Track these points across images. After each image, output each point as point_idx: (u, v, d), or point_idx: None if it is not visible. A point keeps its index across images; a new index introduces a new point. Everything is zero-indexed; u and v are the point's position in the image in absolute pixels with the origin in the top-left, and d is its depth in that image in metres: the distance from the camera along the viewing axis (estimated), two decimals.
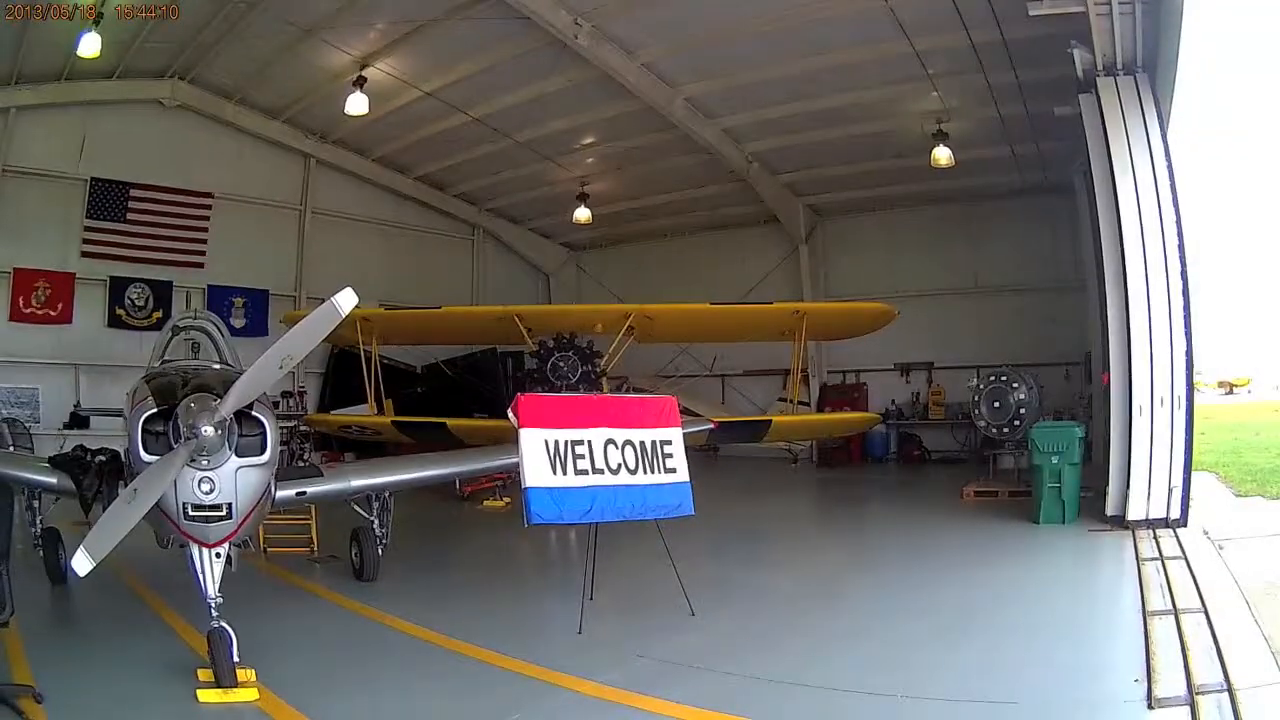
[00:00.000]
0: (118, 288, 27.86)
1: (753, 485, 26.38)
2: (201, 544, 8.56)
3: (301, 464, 21.48)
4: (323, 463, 19.12)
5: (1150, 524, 15.10)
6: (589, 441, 10.90)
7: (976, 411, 20.33)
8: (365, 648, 10.27)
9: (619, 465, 10.97)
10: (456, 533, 19.29)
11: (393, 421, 21.63)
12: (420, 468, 14.56)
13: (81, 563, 7.49)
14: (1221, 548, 13.70)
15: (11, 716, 7.70)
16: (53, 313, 26.86)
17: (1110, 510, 15.92)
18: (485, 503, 21.50)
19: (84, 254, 27.34)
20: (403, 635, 10.65)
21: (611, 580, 12.00)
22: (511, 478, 19.33)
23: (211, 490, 8.28)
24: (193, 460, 8.13)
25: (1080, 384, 25.18)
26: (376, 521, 13.77)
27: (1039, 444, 16.70)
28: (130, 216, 27.78)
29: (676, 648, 9.68)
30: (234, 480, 8.44)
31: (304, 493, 12.33)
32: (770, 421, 21.36)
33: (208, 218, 28.98)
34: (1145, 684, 7.79)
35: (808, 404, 28.75)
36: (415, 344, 27.99)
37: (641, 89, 23.46)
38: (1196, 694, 7.49)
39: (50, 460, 12.52)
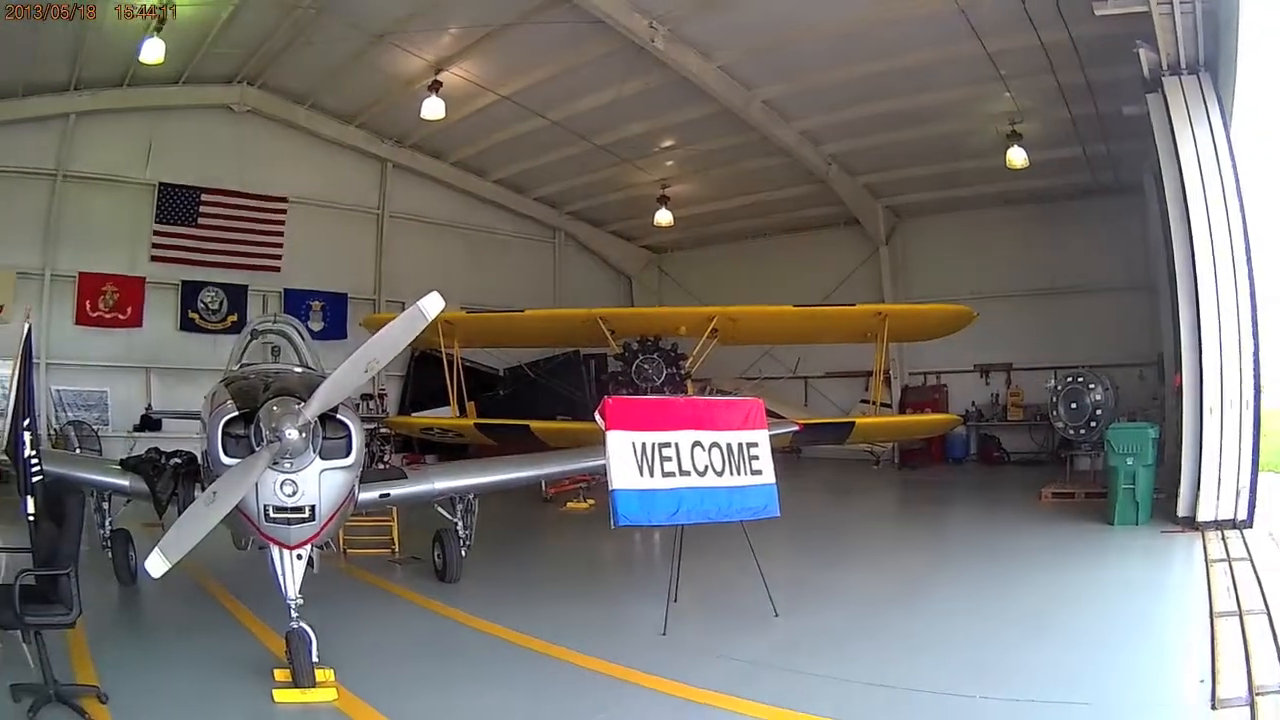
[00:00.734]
0: (190, 291, 29.81)
1: (835, 486, 27.58)
2: (282, 546, 9.05)
3: (382, 466, 23.12)
4: (404, 465, 20.63)
5: (1219, 525, 15.86)
6: (676, 444, 11.37)
7: (1054, 413, 21.49)
8: (446, 648, 10.81)
9: (706, 467, 11.45)
10: (539, 534, 20.42)
11: (476, 424, 22.84)
12: (505, 470, 15.36)
13: (156, 564, 7.96)
14: None
15: (74, 717, 8.05)
16: (122, 316, 28.77)
17: (1181, 511, 16.60)
18: (568, 505, 22.55)
19: (154, 258, 29.31)
20: (485, 636, 11.17)
21: (694, 581, 12.55)
22: (595, 480, 20.72)
23: (294, 492, 8.75)
24: (275, 463, 8.59)
25: (1153, 385, 25.79)
26: (460, 523, 14.40)
27: (1114, 445, 17.51)
28: (201, 221, 29.71)
29: (760, 648, 10.19)
30: (317, 482, 8.91)
31: (387, 495, 13.01)
32: (854, 423, 22.30)
33: (283, 222, 30.84)
34: (1210, 685, 8.21)
35: (890, 406, 29.84)
36: (497, 347, 29.34)
37: (719, 91, 24.99)
38: (1257, 695, 7.89)
39: (122, 462, 13.50)
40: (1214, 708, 7.82)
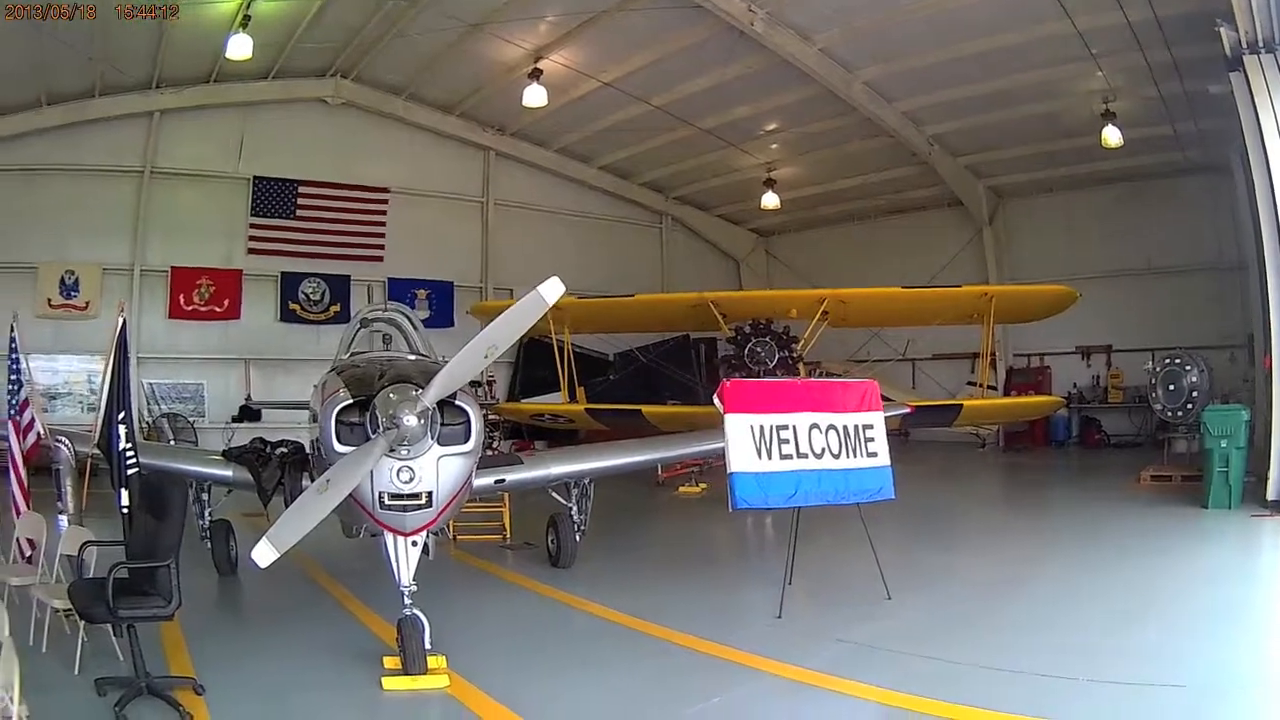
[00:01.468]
0: (290, 283, 32.35)
1: (942, 469, 29.04)
2: (398, 532, 9.45)
3: (490, 453, 24.44)
4: (513, 451, 21.92)
5: None
6: (794, 426, 11.86)
7: (1153, 395, 22.56)
8: (560, 633, 11.38)
9: (823, 449, 11.97)
10: (652, 519, 21.52)
11: (587, 409, 24.16)
12: (622, 454, 16.09)
13: (264, 554, 8.27)
14: None
15: (165, 709, 8.35)
16: (218, 309, 31.31)
17: (1271, 495, 17.59)
18: (680, 489, 23.76)
19: (250, 250, 31.81)
20: (598, 620, 11.78)
21: (806, 564, 13.14)
22: (707, 464, 22.54)
23: (411, 479, 9.08)
24: (392, 450, 8.92)
25: (1244, 366, 26.43)
26: (575, 508, 15.06)
27: (1210, 428, 18.36)
28: (300, 213, 32.17)
29: (874, 631, 10.75)
30: (435, 469, 9.22)
31: (502, 480, 13.71)
32: (961, 406, 23.50)
33: (385, 212, 33.32)
34: None
35: (995, 388, 30.45)
36: (607, 332, 30.54)
37: (820, 73, 26.99)
38: None
39: (224, 453, 14.38)
40: None
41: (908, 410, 19.19)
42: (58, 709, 8.23)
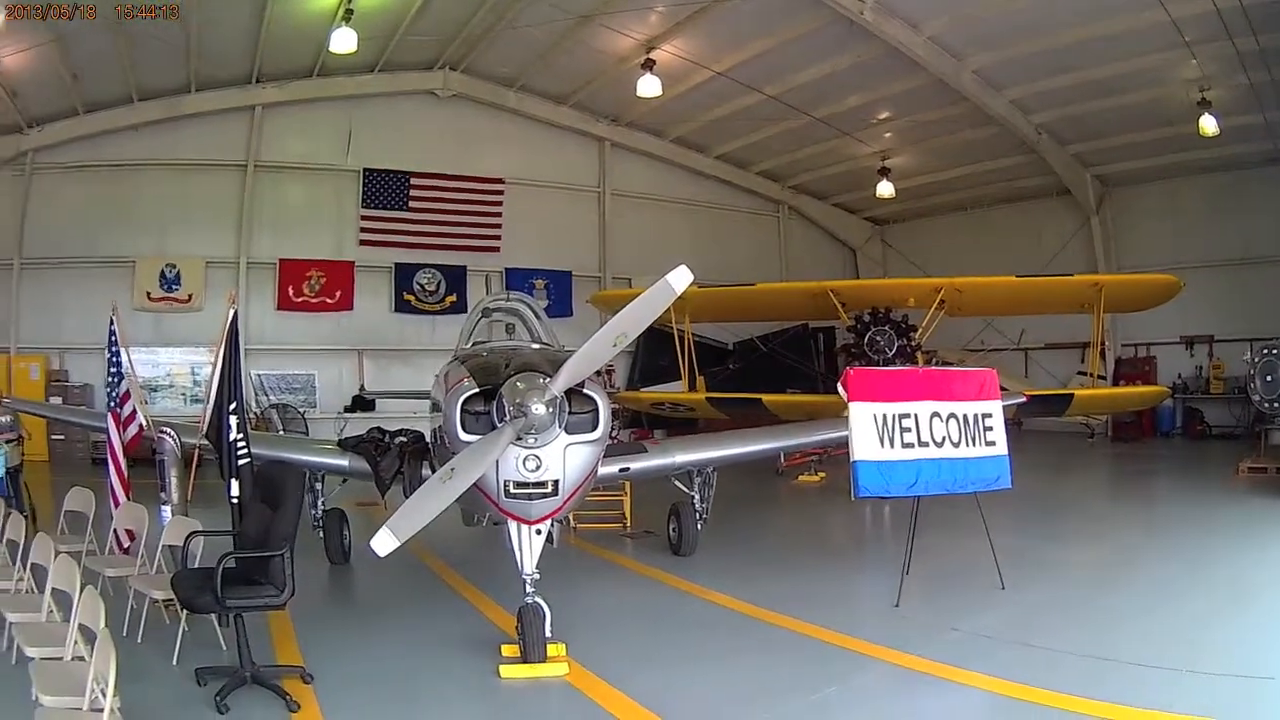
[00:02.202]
0: (404, 274, 34.58)
1: (1052, 459, 30.17)
2: (522, 521, 9.85)
3: (613, 441, 25.77)
4: (633, 440, 22.31)
5: None
6: (915, 414, 12.38)
7: (1251, 385, 23.28)
8: (679, 621, 11.98)
9: (943, 438, 12.46)
10: (771, 507, 22.32)
11: (707, 398, 25.28)
12: (744, 443, 16.67)
13: (384, 542, 8.54)
14: None
15: (271, 699, 8.77)
16: (330, 300, 33.60)
17: None
18: (800, 478, 25.07)
19: (362, 242, 34.03)
20: (716, 608, 12.43)
21: (922, 553, 13.69)
22: (827, 453, 23.79)
23: (538, 467, 9.43)
24: (519, 438, 9.24)
25: None
26: (697, 496, 15.79)
27: None
28: (413, 204, 34.38)
29: (989, 621, 11.34)
30: (562, 457, 9.59)
31: (627, 469, 14.30)
32: (1073, 396, 24.42)
33: (500, 203, 35.64)
34: None
35: (1105, 378, 31.37)
36: (727, 321, 32.15)
37: (929, 61, 28.71)
38: None
39: (339, 443, 15.25)
40: None
41: (1024, 399, 19.93)
42: (154, 699, 8.81)
